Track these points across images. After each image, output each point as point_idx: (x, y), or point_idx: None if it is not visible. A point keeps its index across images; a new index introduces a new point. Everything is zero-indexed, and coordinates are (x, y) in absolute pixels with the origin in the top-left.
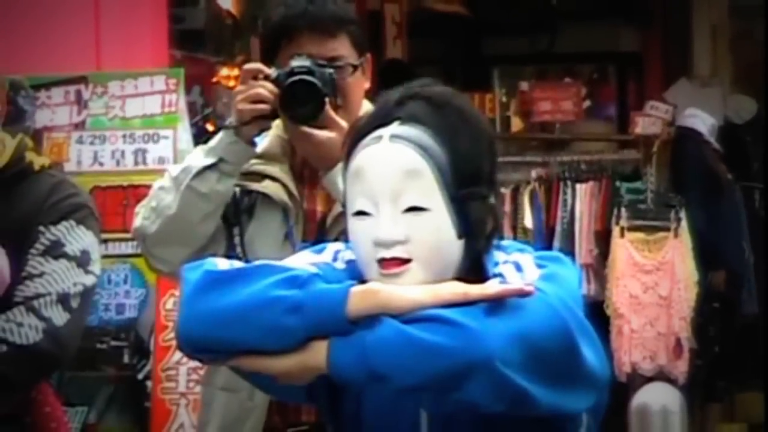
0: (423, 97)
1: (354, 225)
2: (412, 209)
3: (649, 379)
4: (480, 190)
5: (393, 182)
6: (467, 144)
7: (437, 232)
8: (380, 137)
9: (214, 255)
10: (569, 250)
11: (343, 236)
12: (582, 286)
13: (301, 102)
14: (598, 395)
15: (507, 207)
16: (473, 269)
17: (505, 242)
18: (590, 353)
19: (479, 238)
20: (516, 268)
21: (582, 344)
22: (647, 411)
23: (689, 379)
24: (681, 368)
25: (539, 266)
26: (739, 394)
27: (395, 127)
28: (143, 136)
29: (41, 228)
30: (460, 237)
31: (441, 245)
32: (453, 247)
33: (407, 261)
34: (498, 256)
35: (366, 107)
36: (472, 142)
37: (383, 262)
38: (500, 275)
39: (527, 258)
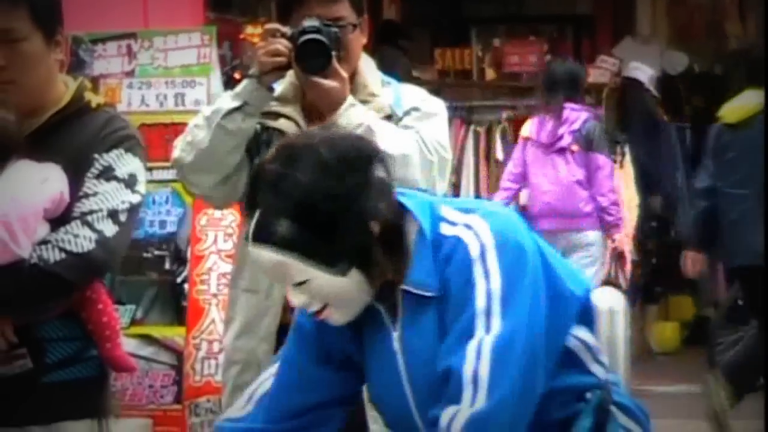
0: (273, 183)
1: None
2: (299, 283)
3: (597, 285)
4: (355, 217)
5: (273, 272)
6: (312, 215)
7: (325, 289)
8: (248, 237)
9: (239, 181)
10: None
11: None
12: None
13: (311, 56)
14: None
15: (482, 142)
16: (396, 260)
17: (444, 212)
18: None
19: (371, 260)
20: (466, 227)
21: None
22: (596, 311)
23: (632, 284)
24: (624, 276)
25: (483, 216)
26: (672, 297)
27: (253, 225)
28: (182, 83)
29: (96, 155)
30: (348, 273)
31: (335, 292)
32: (348, 280)
33: (324, 307)
34: (444, 228)
35: (363, 59)
36: (320, 214)
37: (313, 314)
38: (458, 239)
39: (473, 218)
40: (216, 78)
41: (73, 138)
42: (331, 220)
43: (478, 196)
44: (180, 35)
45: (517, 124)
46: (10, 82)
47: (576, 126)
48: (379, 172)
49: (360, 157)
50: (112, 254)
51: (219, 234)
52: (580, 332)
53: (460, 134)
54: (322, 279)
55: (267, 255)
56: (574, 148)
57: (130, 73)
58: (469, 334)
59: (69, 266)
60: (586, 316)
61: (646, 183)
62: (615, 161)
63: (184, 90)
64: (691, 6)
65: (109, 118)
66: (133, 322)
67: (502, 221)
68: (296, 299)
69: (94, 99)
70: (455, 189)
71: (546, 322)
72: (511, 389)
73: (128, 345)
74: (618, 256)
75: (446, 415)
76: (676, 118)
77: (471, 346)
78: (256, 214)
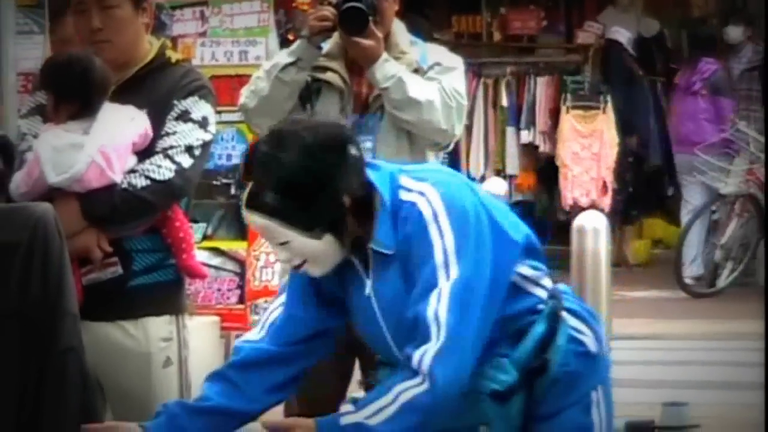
0: (264, 157)
1: None
2: (282, 243)
3: (585, 209)
4: (328, 196)
5: (262, 232)
6: (297, 193)
7: (303, 249)
8: (241, 200)
9: None
10: (531, 123)
11: (380, 110)
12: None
13: (352, 20)
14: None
15: (490, 92)
16: (365, 224)
17: (403, 181)
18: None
19: (343, 226)
20: (420, 194)
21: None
22: (583, 230)
23: (612, 208)
24: (606, 202)
25: (433, 185)
26: (646, 219)
27: (247, 194)
28: (245, 42)
29: (175, 101)
30: (322, 237)
31: (311, 251)
32: (322, 243)
33: (304, 262)
34: (402, 194)
35: (395, 23)
36: (299, 188)
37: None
38: (413, 204)
39: (426, 186)
40: (273, 38)
41: (156, 87)
42: (309, 194)
43: (486, 134)
44: (243, 3)
45: (519, 77)
46: (105, 41)
47: None
48: (353, 153)
49: (336, 142)
50: (188, 182)
51: None
52: (523, 268)
53: (472, 86)
54: (300, 241)
55: (256, 219)
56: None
57: (203, 34)
58: (432, 284)
59: (153, 191)
60: (532, 254)
61: (624, 126)
62: (599, 108)
63: (247, 48)
64: None
65: (185, 71)
66: (205, 237)
67: (450, 188)
68: (280, 255)
69: (174, 55)
70: (468, 130)
71: (492, 266)
72: (467, 322)
73: (200, 256)
74: (601, 186)
75: (417, 353)
76: (649, 73)
77: (433, 294)
78: (249, 185)
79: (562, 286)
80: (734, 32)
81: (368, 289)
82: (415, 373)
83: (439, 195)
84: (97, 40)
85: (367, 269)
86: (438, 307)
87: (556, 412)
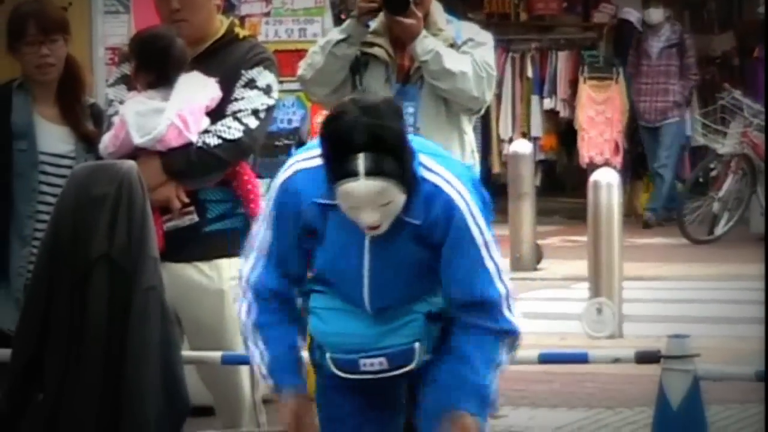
0: (370, 131)
1: (345, 210)
2: (383, 204)
3: (599, 167)
4: (409, 158)
5: (371, 199)
6: (402, 149)
7: (396, 206)
8: (356, 174)
9: (345, 91)
10: (553, 91)
11: (420, 81)
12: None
13: (396, 3)
14: None
15: (517, 65)
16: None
17: (423, 160)
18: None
19: (411, 181)
20: (447, 182)
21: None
22: (598, 185)
23: (623, 166)
24: (618, 160)
25: (457, 176)
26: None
27: (362, 163)
28: (304, 20)
29: (243, 71)
30: (405, 193)
31: (398, 207)
32: (402, 201)
33: (380, 226)
34: (423, 172)
35: (433, 4)
36: (403, 146)
37: (366, 227)
38: (438, 187)
39: (449, 174)
40: (328, 17)
41: (226, 59)
42: (406, 155)
43: (513, 102)
44: None
45: (542, 52)
46: (183, 20)
47: None
48: None
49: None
50: (254, 141)
51: None
52: None
53: (501, 59)
54: (398, 198)
55: (376, 184)
56: None
57: (267, 14)
58: (483, 267)
59: (224, 149)
60: None
61: (633, 94)
62: (612, 78)
63: (305, 26)
64: None
65: (252, 46)
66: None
67: (471, 180)
68: (371, 218)
69: (241, 32)
70: (497, 98)
71: None
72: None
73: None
74: (614, 146)
75: (498, 316)
76: None
77: (495, 277)
78: (361, 157)
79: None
80: (655, 14)
81: (367, 242)
82: (496, 338)
83: (467, 189)
84: (176, 19)
85: None
86: (502, 287)
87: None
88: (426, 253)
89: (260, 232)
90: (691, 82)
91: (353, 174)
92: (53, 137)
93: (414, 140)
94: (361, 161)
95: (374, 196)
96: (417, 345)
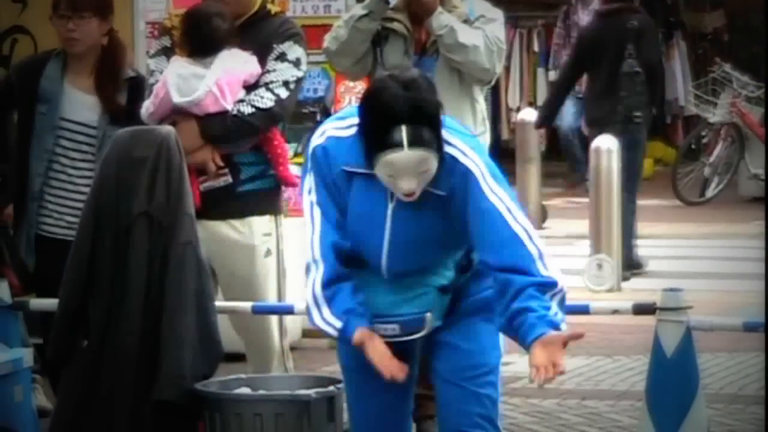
0: (411, 103)
1: (383, 178)
2: (422, 172)
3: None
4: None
5: (412, 168)
6: (439, 120)
7: (430, 173)
8: (401, 145)
9: (366, 62)
10: (556, 65)
11: (435, 53)
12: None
13: None
14: None
15: (524, 40)
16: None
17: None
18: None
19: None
20: (463, 154)
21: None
22: (599, 150)
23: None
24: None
25: (471, 148)
26: (649, 142)
27: (405, 134)
28: None
29: (275, 45)
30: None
31: (431, 175)
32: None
33: (414, 194)
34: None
35: None
36: (439, 117)
37: (403, 194)
38: (455, 159)
39: (464, 146)
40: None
41: (259, 33)
42: (439, 125)
43: (521, 74)
44: None
45: (547, 28)
46: None
47: None
48: None
49: None
50: (284, 110)
51: (352, 98)
52: None
53: (510, 34)
54: (433, 167)
55: (418, 154)
56: None
57: None
58: (513, 234)
59: (257, 117)
60: None
61: None
62: None
63: (330, 2)
64: None
65: (282, 21)
66: (296, 154)
67: (483, 152)
68: (409, 185)
69: (273, 8)
70: (506, 70)
71: None
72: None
73: (292, 169)
74: None
75: (540, 279)
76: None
77: (526, 240)
78: (404, 128)
79: None
80: None
81: (389, 210)
82: (542, 291)
83: (482, 159)
84: None
85: (392, 195)
86: (534, 248)
87: (475, 293)
88: (443, 224)
89: (312, 203)
90: None
91: (397, 145)
92: (79, 105)
93: None
94: (404, 132)
95: (416, 164)
96: (428, 314)
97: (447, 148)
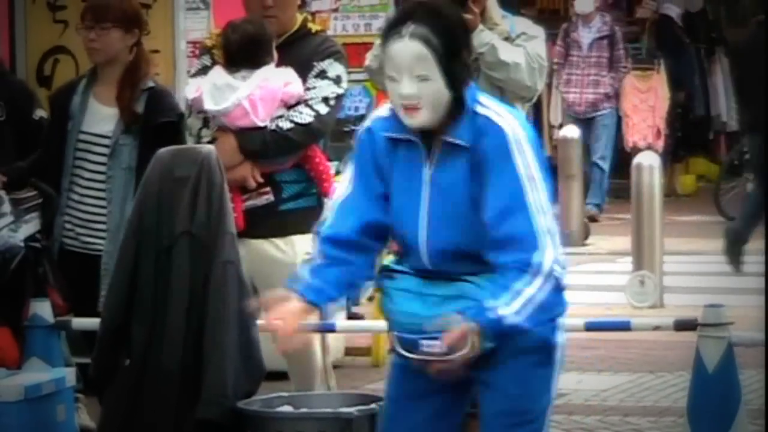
0: (427, 8)
1: (389, 85)
2: (420, 77)
3: (642, 150)
4: (461, 60)
5: (409, 62)
6: (452, 37)
7: (435, 91)
8: (402, 35)
9: None
10: None
11: (476, 71)
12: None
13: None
14: None
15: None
16: (456, 104)
17: (481, 98)
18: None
19: (459, 89)
20: (498, 115)
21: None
22: (641, 167)
23: (664, 150)
24: (659, 144)
25: (510, 113)
26: (691, 158)
27: (410, 28)
28: (369, 16)
29: (315, 62)
30: (449, 90)
31: (437, 97)
32: (444, 96)
33: (418, 108)
34: (478, 108)
35: (490, 0)
36: (455, 36)
37: (405, 108)
38: (489, 119)
39: (503, 110)
40: (391, 12)
41: (300, 51)
42: (458, 46)
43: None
44: None
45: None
46: (274, 16)
47: None
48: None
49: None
50: (324, 125)
51: None
52: None
53: (551, 52)
54: (436, 82)
55: (416, 46)
56: None
57: (336, 10)
58: (520, 197)
59: (296, 132)
60: None
61: (674, 83)
62: (654, 69)
63: (371, 21)
64: None
65: (323, 39)
66: (338, 172)
67: (522, 119)
68: (408, 89)
69: (313, 27)
70: (548, 87)
71: None
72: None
73: (334, 187)
74: (656, 132)
75: (536, 257)
76: (694, 40)
77: (537, 211)
78: (409, 23)
79: None
80: (585, 4)
81: (425, 176)
82: (533, 274)
83: (519, 123)
84: (266, 15)
85: (429, 158)
86: (545, 221)
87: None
88: (478, 190)
89: (340, 189)
90: (621, 74)
91: (400, 36)
92: (97, 117)
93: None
94: (407, 26)
95: (413, 59)
96: (467, 325)
97: (484, 110)
